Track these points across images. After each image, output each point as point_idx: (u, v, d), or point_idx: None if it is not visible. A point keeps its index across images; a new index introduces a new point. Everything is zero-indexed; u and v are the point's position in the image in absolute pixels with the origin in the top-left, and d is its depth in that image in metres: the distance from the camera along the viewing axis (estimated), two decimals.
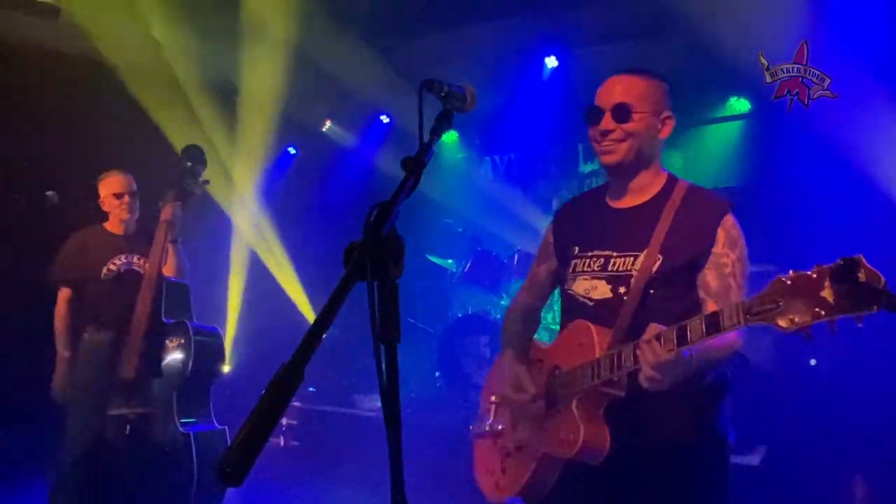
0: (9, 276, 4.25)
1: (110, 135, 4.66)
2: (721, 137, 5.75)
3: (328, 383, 5.61)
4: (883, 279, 1.20)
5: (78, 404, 3.34)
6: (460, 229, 6.02)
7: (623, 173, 1.82)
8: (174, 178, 3.49)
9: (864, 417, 3.69)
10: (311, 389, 5.75)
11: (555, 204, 5.44)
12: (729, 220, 1.72)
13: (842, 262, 1.24)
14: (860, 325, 1.20)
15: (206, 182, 3.55)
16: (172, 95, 5.16)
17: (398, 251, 1.08)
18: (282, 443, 5.53)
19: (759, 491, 3.59)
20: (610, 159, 1.79)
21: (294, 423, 5.51)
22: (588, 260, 1.83)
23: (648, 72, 1.84)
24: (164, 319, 3.37)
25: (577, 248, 1.87)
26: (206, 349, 3.45)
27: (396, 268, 1.07)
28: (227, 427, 3.55)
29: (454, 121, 1.46)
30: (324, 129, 6.61)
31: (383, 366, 1.04)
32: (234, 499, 3.76)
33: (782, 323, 1.29)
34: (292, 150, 6.73)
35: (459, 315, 5.61)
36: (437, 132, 1.35)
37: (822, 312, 1.24)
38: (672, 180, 1.83)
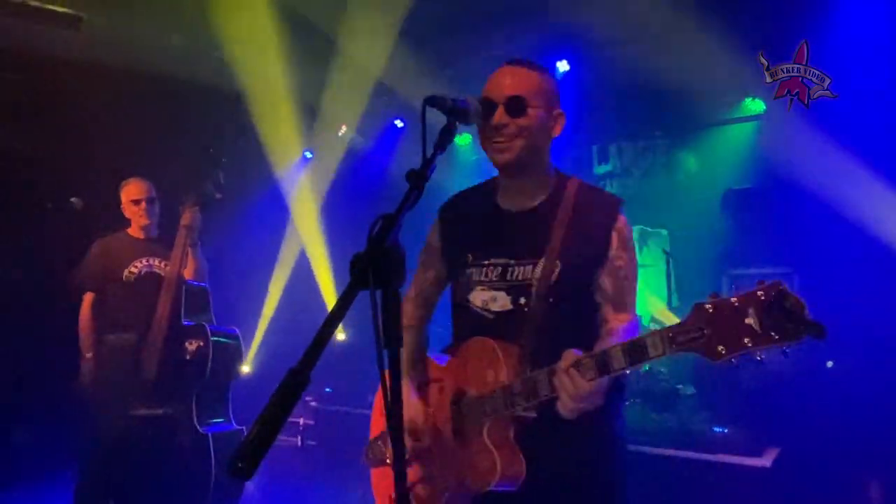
0: (37, 280, 4.36)
1: (134, 142, 4.79)
2: (736, 139, 5.73)
3: (344, 383, 5.69)
4: (806, 307, 1.17)
5: (101, 405, 3.40)
6: None
7: (517, 173, 1.71)
8: (195, 183, 3.55)
9: (880, 419, 3.67)
10: (327, 390, 5.84)
11: None
12: (621, 220, 1.67)
13: (764, 290, 1.20)
14: (786, 355, 1.20)
15: (222, 189, 3.59)
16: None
17: (399, 261, 1.13)
18: (299, 442, 5.62)
19: (771, 494, 3.59)
20: (506, 157, 1.66)
21: (311, 422, 5.60)
22: (485, 269, 1.71)
23: (539, 66, 1.73)
24: (183, 322, 3.43)
25: (470, 256, 1.74)
26: (225, 351, 3.51)
27: (398, 277, 1.13)
28: (244, 427, 3.61)
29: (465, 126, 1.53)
30: (339, 134, 6.70)
31: (386, 371, 1.11)
32: (252, 497, 3.82)
33: (708, 353, 1.25)
34: (309, 154, 6.83)
35: None
36: (440, 146, 1.40)
37: (749, 342, 1.21)
38: (562, 180, 1.75)
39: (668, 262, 5.32)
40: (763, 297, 1.19)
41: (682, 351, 1.29)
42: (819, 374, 4.18)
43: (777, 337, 1.18)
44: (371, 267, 1.10)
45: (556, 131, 1.72)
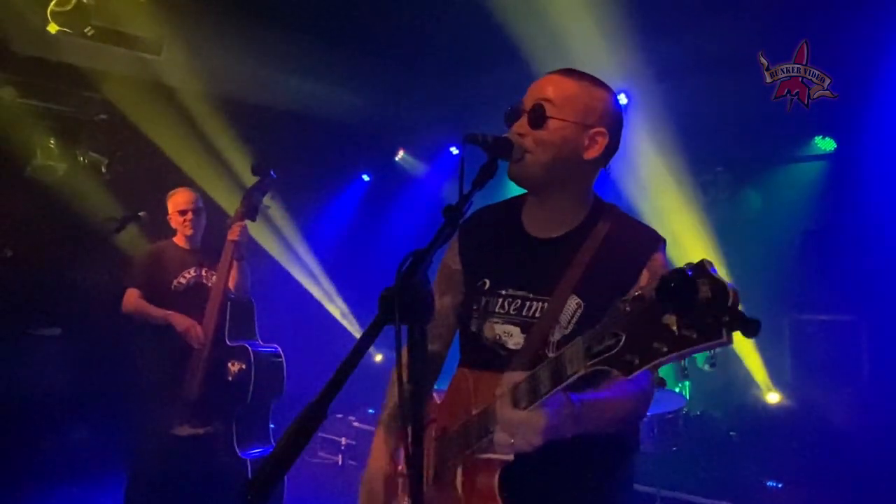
0: (107, 285, 4.53)
1: (197, 158, 5.02)
2: (803, 177, 5.51)
3: None
4: (732, 293, 0.86)
5: (144, 419, 3.39)
6: None
7: (535, 191, 1.55)
8: (244, 197, 3.49)
9: None
10: (370, 411, 5.87)
11: None
12: (658, 259, 1.45)
13: (675, 274, 0.90)
14: (714, 364, 0.91)
15: (267, 206, 3.56)
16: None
17: (427, 297, 1.13)
18: (340, 461, 5.66)
19: None
20: (514, 171, 1.48)
21: (353, 442, 5.63)
22: (501, 300, 1.52)
23: (590, 77, 1.51)
24: (227, 342, 3.36)
25: (487, 282, 1.56)
26: (268, 372, 3.42)
27: (425, 313, 1.12)
28: None
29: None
30: (396, 159, 6.84)
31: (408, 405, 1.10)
32: None
33: (620, 366, 0.98)
34: (366, 178, 6.99)
35: None
36: (479, 184, 1.37)
37: (664, 348, 0.92)
38: (599, 208, 1.55)
39: None
40: (676, 286, 0.90)
41: (599, 366, 1.02)
42: (890, 431, 3.90)
43: (695, 337, 0.89)
44: (398, 302, 1.10)
45: (592, 153, 1.48)
